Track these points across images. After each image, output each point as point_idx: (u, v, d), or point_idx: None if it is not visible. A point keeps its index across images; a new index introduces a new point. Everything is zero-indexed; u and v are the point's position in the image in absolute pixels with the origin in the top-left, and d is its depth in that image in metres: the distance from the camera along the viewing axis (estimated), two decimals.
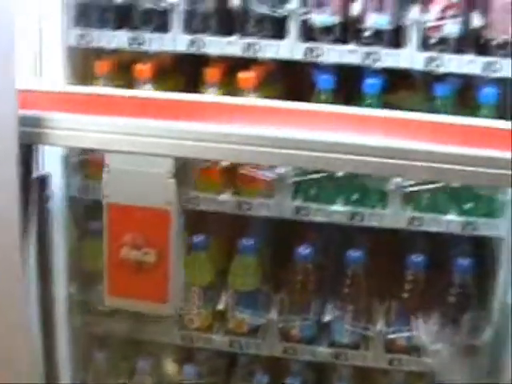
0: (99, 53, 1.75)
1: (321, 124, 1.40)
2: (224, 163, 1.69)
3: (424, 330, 1.73)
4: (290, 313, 1.81)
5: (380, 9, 1.59)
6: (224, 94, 1.71)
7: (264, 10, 1.63)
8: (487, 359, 1.77)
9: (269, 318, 1.81)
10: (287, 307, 1.82)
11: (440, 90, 1.64)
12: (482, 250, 1.83)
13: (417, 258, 1.75)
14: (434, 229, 1.70)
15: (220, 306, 1.83)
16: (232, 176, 1.73)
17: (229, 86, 1.72)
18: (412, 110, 1.50)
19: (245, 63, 1.70)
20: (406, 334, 1.78)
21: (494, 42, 1.58)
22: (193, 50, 1.66)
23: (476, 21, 1.59)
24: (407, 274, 1.77)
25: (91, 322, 1.88)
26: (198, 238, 1.78)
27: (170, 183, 1.42)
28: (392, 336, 1.78)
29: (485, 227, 1.67)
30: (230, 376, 2.02)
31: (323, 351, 1.82)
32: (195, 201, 1.74)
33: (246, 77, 1.66)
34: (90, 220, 1.81)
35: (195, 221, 1.77)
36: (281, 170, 1.67)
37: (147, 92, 1.68)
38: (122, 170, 1.45)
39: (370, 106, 1.65)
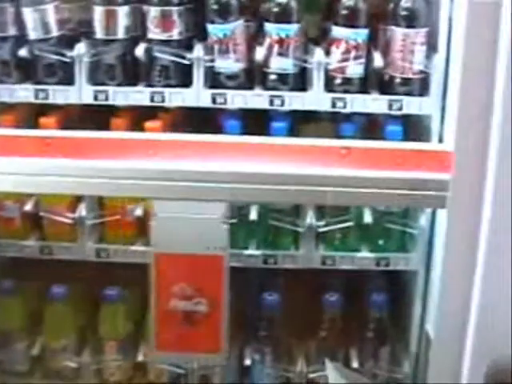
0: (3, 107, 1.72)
1: (231, 154, 1.41)
2: (137, 213, 1.65)
3: (331, 370, 1.74)
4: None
5: (284, 53, 1.61)
6: None
7: (169, 58, 1.62)
8: None
9: (188, 366, 1.76)
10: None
11: (346, 129, 1.66)
12: (397, 284, 1.87)
13: (332, 297, 1.76)
14: (347, 267, 1.71)
15: (139, 358, 1.79)
16: (144, 226, 1.68)
17: None
18: None
19: (152, 112, 1.69)
20: (324, 373, 1.77)
21: (396, 81, 1.63)
22: (98, 101, 1.64)
23: (377, 61, 1.62)
24: (324, 312, 1.77)
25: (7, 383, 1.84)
26: (112, 290, 1.74)
27: (224, 228, 1.40)
28: (312, 375, 1.77)
29: (398, 262, 1.70)
30: None
31: None
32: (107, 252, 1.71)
33: (152, 126, 1.64)
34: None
35: (106, 272, 1.76)
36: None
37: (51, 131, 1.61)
38: (170, 217, 1.43)
39: None
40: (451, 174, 1.31)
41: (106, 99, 1.64)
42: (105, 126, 1.67)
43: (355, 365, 1.76)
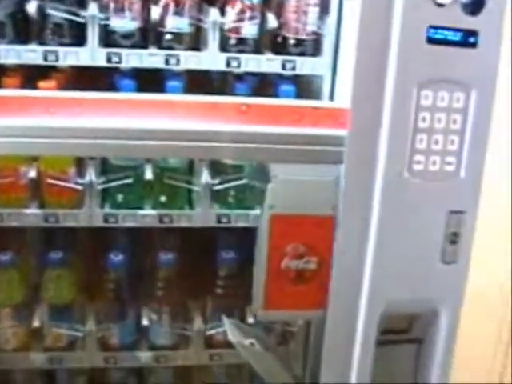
0: None
1: (130, 111, 1.43)
2: (30, 175, 1.64)
3: (230, 327, 1.78)
4: (108, 321, 1.80)
5: (180, 12, 1.62)
6: None
7: (62, 16, 1.60)
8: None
9: (86, 329, 1.78)
10: (104, 316, 1.80)
11: (240, 89, 1.69)
12: None
13: (227, 254, 1.80)
14: (242, 224, 1.74)
15: (35, 323, 1.77)
16: (38, 188, 1.67)
17: None
18: None
19: (45, 71, 1.65)
20: (223, 329, 1.81)
21: (290, 42, 1.67)
22: None
23: (272, 22, 1.66)
24: (219, 270, 1.82)
25: None
26: (5, 255, 1.71)
27: (336, 190, 1.37)
28: (210, 332, 1.82)
29: None
30: None
31: (144, 356, 1.82)
32: None
33: (46, 86, 1.60)
34: None
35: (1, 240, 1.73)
36: (89, 178, 1.66)
37: None
38: (286, 180, 1.42)
39: None
40: (347, 130, 1.37)
41: None
42: None
43: (251, 320, 1.81)
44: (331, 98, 1.70)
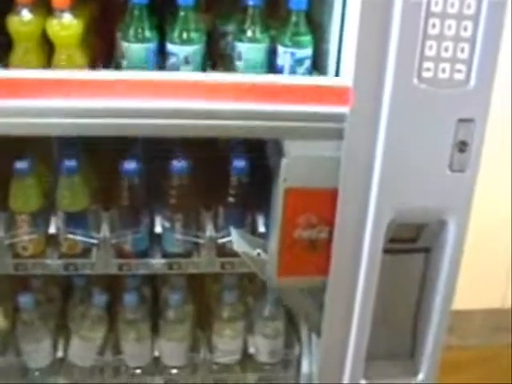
0: None
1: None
2: None
3: (236, 237, 1.81)
4: (121, 229, 1.83)
5: None
6: (38, 16, 1.68)
7: None
8: None
9: (100, 236, 1.81)
10: (118, 224, 1.84)
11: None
12: None
13: (239, 163, 1.81)
14: None
15: (51, 230, 1.81)
16: None
17: (42, 6, 1.67)
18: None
19: None
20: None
21: None
22: None
23: None
24: (231, 178, 1.83)
25: None
26: (22, 163, 1.74)
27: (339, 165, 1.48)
28: (222, 240, 1.84)
29: None
30: (68, 301, 2.04)
31: (157, 263, 1.86)
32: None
33: None
34: None
35: (16, 146, 1.74)
36: None
37: None
38: (299, 156, 1.53)
39: None
40: (349, 107, 1.41)
41: None
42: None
43: (262, 229, 1.83)
44: (337, 72, 1.73)
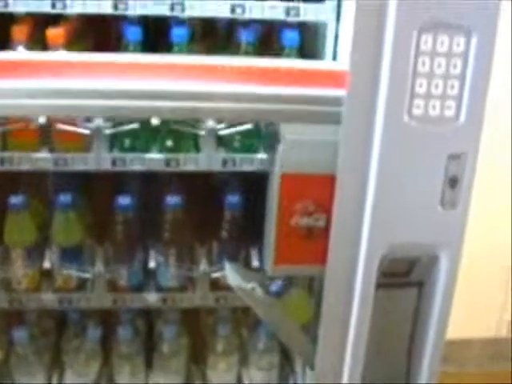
0: None
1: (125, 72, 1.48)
2: (40, 120, 1.66)
3: (230, 271, 1.81)
4: (116, 263, 1.85)
5: None
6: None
7: None
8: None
9: (95, 270, 1.83)
10: (112, 258, 1.85)
11: (244, 35, 1.72)
12: None
13: (233, 198, 1.83)
14: (247, 168, 1.77)
15: (46, 265, 1.82)
16: (48, 133, 1.70)
17: (38, 43, 1.70)
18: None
19: (53, 20, 1.68)
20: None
21: None
22: None
23: None
24: (225, 213, 1.84)
25: None
26: (17, 198, 1.76)
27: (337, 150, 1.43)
28: (216, 275, 1.86)
29: None
30: (63, 335, 2.03)
31: (151, 297, 1.87)
32: (10, 160, 1.70)
33: (55, 33, 1.64)
34: None
35: (11, 181, 1.76)
36: (97, 123, 1.68)
37: None
38: (296, 140, 1.49)
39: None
40: (346, 91, 1.40)
41: (6, 7, 1.64)
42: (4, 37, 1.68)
43: (255, 263, 1.85)
44: (335, 56, 1.74)
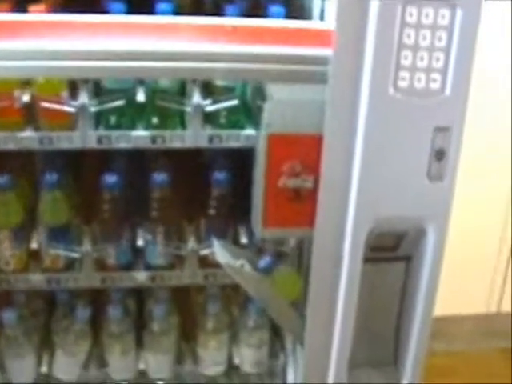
0: None
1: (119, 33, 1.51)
2: (24, 99, 1.65)
3: (219, 248, 1.81)
4: (104, 242, 1.84)
5: None
6: None
7: None
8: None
9: (83, 250, 1.83)
10: (100, 237, 1.85)
11: (230, 11, 1.69)
12: None
13: (220, 175, 1.82)
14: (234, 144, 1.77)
15: (33, 245, 1.82)
16: (32, 112, 1.69)
17: None
18: None
19: None
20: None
21: None
22: None
23: None
24: (212, 190, 1.84)
25: None
26: (3, 179, 1.74)
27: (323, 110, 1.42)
28: (204, 252, 1.85)
29: None
30: (52, 315, 2.03)
31: (139, 275, 1.87)
32: None
33: (36, 9, 1.61)
34: None
35: None
36: (82, 101, 1.67)
37: None
38: (283, 100, 1.49)
39: None
40: (332, 48, 1.38)
41: None
42: None
43: (244, 241, 1.86)
44: (322, 16, 1.70)
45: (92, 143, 1.71)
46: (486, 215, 2.85)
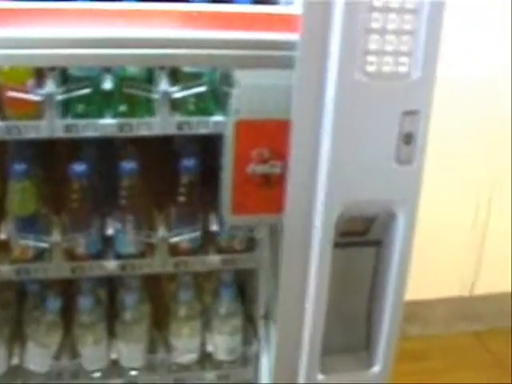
0: None
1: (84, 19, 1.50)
2: None
3: None
4: (73, 232, 1.82)
5: None
6: None
7: None
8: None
9: (52, 240, 1.80)
10: (69, 227, 1.83)
11: None
12: None
13: (188, 162, 1.80)
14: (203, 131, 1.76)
15: (2, 236, 1.79)
16: None
17: None
18: None
19: None
20: (187, 237, 1.85)
21: None
22: None
23: None
24: (181, 178, 1.82)
25: None
26: None
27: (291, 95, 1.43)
28: (174, 240, 1.84)
29: None
30: (23, 306, 2.00)
31: (110, 264, 1.85)
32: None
33: None
34: None
35: None
36: (49, 89, 1.65)
37: None
38: (250, 85, 1.49)
39: None
40: (299, 35, 1.38)
41: None
42: None
43: (214, 228, 1.84)
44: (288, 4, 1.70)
45: (59, 132, 1.69)
46: (458, 198, 2.87)
